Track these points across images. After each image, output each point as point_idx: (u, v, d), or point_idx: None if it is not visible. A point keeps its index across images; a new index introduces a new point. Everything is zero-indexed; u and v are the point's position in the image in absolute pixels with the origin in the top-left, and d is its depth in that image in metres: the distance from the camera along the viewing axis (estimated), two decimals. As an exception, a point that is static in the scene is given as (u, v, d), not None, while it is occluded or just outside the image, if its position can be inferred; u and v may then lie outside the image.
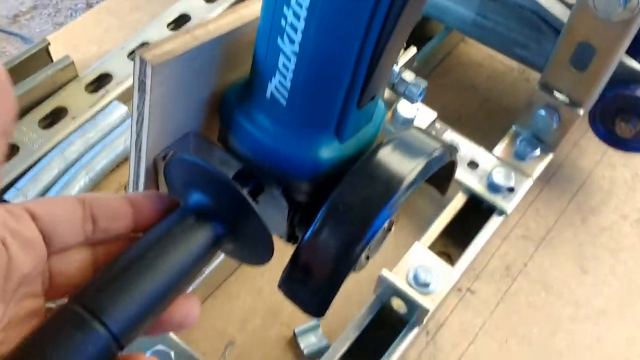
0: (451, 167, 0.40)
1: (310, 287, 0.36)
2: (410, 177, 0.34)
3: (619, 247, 0.64)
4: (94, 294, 0.30)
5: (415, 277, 0.53)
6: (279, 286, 0.37)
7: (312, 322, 0.57)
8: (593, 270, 0.62)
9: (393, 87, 0.58)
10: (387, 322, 0.56)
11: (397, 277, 0.52)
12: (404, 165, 0.34)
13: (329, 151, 0.34)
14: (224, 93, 0.36)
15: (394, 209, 0.35)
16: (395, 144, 0.35)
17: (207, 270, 0.55)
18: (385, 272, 0.51)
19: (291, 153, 0.34)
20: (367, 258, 0.40)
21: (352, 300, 0.59)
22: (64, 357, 0.28)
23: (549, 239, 0.64)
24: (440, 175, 0.42)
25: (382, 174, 0.34)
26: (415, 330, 0.53)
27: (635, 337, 0.59)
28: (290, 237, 0.40)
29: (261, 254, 0.36)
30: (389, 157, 0.35)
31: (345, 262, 0.34)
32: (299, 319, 0.57)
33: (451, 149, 0.37)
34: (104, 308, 0.29)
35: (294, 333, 0.56)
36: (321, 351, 0.55)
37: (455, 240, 0.62)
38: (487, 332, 0.58)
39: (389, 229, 0.40)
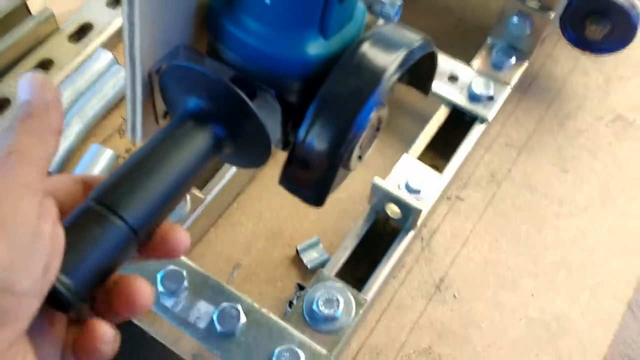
0: (431, 62, 0.42)
1: (309, 180, 0.38)
2: (394, 65, 0.36)
3: (596, 147, 0.67)
4: (109, 191, 0.32)
5: (407, 185, 0.56)
6: (280, 183, 0.39)
7: (313, 239, 0.59)
8: (573, 170, 0.65)
9: (370, 9, 0.60)
10: (383, 234, 0.59)
11: (390, 184, 0.54)
12: (387, 55, 0.37)
13: (315, 47, 0.36)
14: (209, 2, 0.37)
15: (381, 97, 0.37)
16: (376, 38, 0.38)
17: (208, 199, 0.57)
18: (377, 180, 0.54)
19: (280, 53, 0.36)
20: (360, 158, 0.42)
21: (348, 216, 0.62)
22: (86, 251, 0.30)
23: (530, 145, 0.67)
24: (421, 72, 0.44)
25: (367, 65, 0.36)
26: (410, 235, 0.56)
27: (616, 229, 0.62)
28: (285, 144, 0.42)
29: (259, 154, 0.39)
30: (373, 49, 0.37)
31: (338, 150, 0.37)
32: (300, 238, 0.60)
33: (430, 41, 0.40)
34: (120, 203, 0.32)
35: (297, 251, 0.59)
36: (323, 264, 0.58)
37: (441, 154, 0.64)
38: (477, 234, 0.61)
39: (378, 127, 0.42)
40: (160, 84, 0.38)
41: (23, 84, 0.31)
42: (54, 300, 0.29)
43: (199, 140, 0.36)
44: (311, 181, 0.38)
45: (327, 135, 0.36)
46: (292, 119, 0.40)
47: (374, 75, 0.36)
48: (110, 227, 0.31)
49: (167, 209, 0.34)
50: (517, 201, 0.63)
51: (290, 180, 0.39)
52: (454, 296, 0.58)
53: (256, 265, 0.59)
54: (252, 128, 0.37)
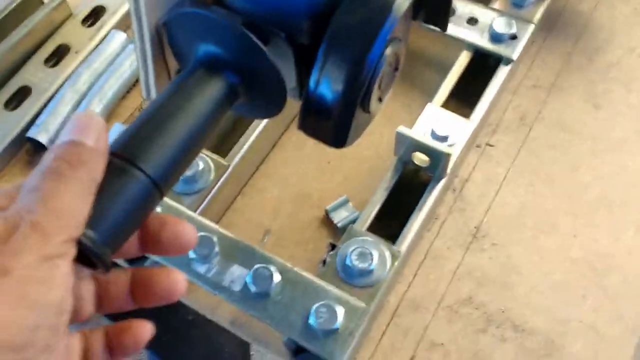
0: (445, -7, 0.41)
1: (327, 121, 0.37)
2: (404, -8, 0.35)
3: (629, 79, 0.64)
4: (126, 144, 0.32)
5: (433, 133, 0.54)
6: (299, 127, 0.38)
7: (341, 198, 0.58)
8: (606, 105, 0.63)
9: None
10: (412, 187, 0.57)
11: (415, 132, 0.53)
12: (397, -16, 0.35)
13: (322, -19, 0.35)
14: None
15: (395, 28, 0.36)
16: None
17: (232, 165, 0.56)
18: (402, 129, 0.53)
19: (286, -10, 0.35)
20: (380, 100, 0.41)
21: (376, 174, 0.60)
22: (108, 204, 0.30)
23: (559, 84, 0.64)
24: (436, 7, 0.42)
25: None
26: (441, 183, 0.54)
27: (657, 161, 0.60)
28: (302, 93, 0.41)
29: (274, 101, 0.38)
30: None
31: (353, 86, 0.35)
32: (327, 200, 0.59)
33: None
34: (137, 154, 0.31)
35: (326, 211, 0.58)
36: (354, 222, 0.57)
37: (467, 103, 0.62)
38: (511, 179, 0.59)
39: (397, 67, 0.41)
40: (168, 36, 0.38)
41: (76, 122, 0.29)
42: (81, 257, 0.29)
43: (211, 88, 0.35)
44: (330, 122, 0.37)
45: (340, 71, 0.35)
46: (305, 64, 0.39)
47: (385, 2, 0.34)
48: (130, 179, 0.31)
49: (185, 160, 0.34)
50: (549, 142, 0.61)
51: (309, 124, 0.38)
52: (492, 243, 0.56)
53: (286, 229, 0.58)
54: (265, 72, 0.36)
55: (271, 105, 0.38)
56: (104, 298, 0.33)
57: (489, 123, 0.62)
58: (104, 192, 0.30)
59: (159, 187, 0.32)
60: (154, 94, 0.41)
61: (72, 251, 0.28)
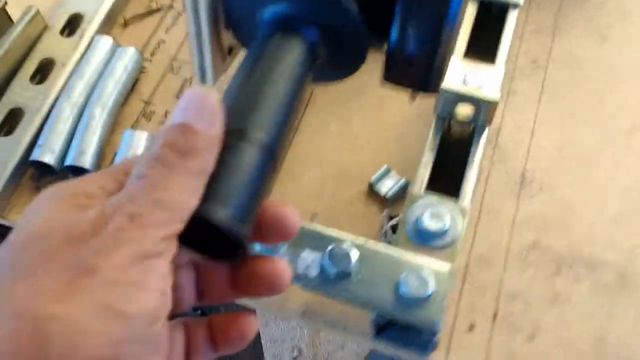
0: None
1: (418, 64, 0.35)
2: None
3: (624, 12, 0.65)
4: (230, 116, 0.28)
5: (466, 82, 0.53)
6: (385, 78, 0.36)
7: (383, 168, 0.56)
8: (610, 37, 0.63)
9: None
10: (446, 146, 0.56)
11: (458, 84, 0.51)
12: None
13: None
14: None
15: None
16: None
17: (266, 153, 0.53)
18: (445, 83, 0.51)
19: None
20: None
21: (408, 138, 0.59)
22: (232, 178, 0.27)
23: (560, 25, 0.65)
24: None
25: None
26: (485, 133, 0.53)
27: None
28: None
29: (355, 54, 0.35)
30: None
31: (442, 28, 0.34)
32: (367, 172, 0.57)
33: None
34: (247, 125, 0.28)
35: (370, 184, 0.56)
36: (402, 189, 0.55)
37: (482, 55, 0.61)
38: (541, 122, 0.59)
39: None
40: (226, 7, 0.34)
41: (189, 102, 0.26)
42: (203, 246, 0.26)
43: (294, 50, 0.32)
44: (422, 64, 0.35)
45: (428, 19, 0.33)
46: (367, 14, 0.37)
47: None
48: (247, 150, 0.28)
49: (290, 125, 0.31)
50: (568, 80, 0.61)
51: (396, 75, 0.35)
52: (540, 188, 0.56)
53: (332, 210, 0.55)
54: (343, 23, 0.33)
55: (352, 60, 0.36)
56: (205, 288, 0.30)
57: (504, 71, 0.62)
58: (223, 167, 0.27)
59: (274, 155, 0.29)
60: (210, 76, 0.38)
61: (173, 249, 0.24)
